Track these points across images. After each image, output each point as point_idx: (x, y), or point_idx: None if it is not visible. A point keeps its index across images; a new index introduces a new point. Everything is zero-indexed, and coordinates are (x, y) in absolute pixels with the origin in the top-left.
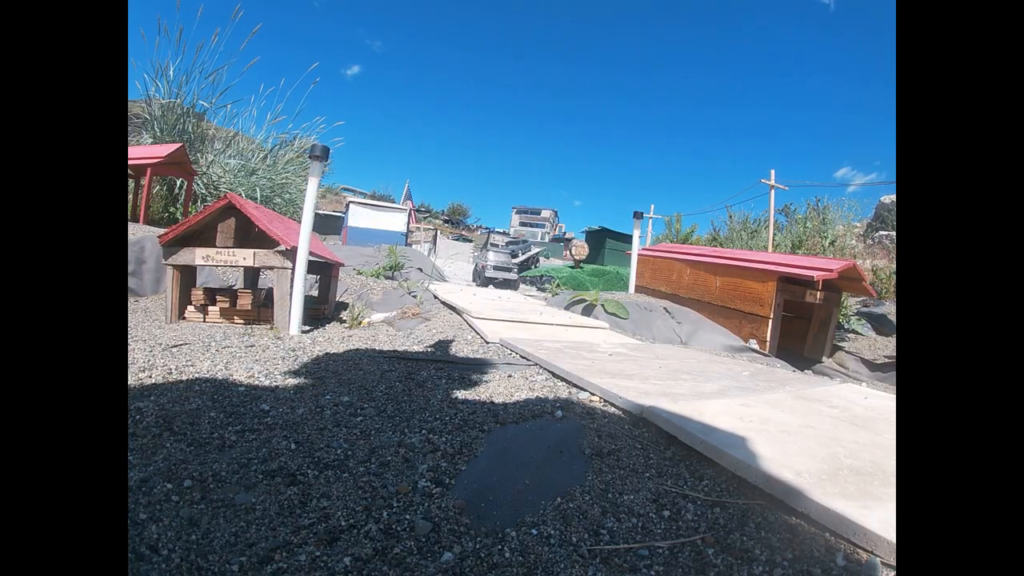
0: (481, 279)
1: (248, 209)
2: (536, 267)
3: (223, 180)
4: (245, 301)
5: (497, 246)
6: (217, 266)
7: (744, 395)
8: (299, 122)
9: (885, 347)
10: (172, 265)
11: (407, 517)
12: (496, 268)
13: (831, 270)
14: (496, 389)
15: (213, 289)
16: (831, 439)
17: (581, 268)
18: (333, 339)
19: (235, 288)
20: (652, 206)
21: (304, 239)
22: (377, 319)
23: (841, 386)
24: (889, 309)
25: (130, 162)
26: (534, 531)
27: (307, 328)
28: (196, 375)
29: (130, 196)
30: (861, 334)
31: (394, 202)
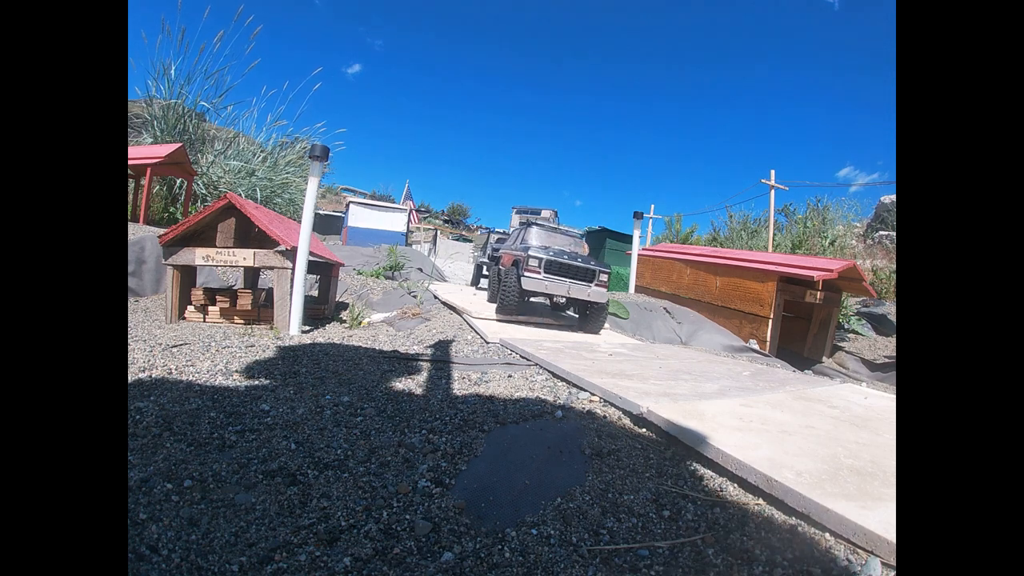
0: (508, 294)
1: (248, 209)
2: None
3: (223, 180)
4: (245, 301)
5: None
6: (217, 266)
7: (744, 395)
8: (300, 124)
9: (885, 347)
10: (172, 265)
11: (407, 517)
12: (551, 270)
13: (831, 270)
14: (496, 389)
15: (213, 289)
16: (831, 439)
17: None
18: (333, 339)
19: (235, 288)
20: (652, 206)
21: (304, 239)
22: (377, 319)
23: (841, 386)
24: (889, 309)
25: (130, 162)
26: (534, 531)
27: (307, 328)
28: (196, 375)
29: (130, 196)
30: (861, 334)
31: (394, 202)
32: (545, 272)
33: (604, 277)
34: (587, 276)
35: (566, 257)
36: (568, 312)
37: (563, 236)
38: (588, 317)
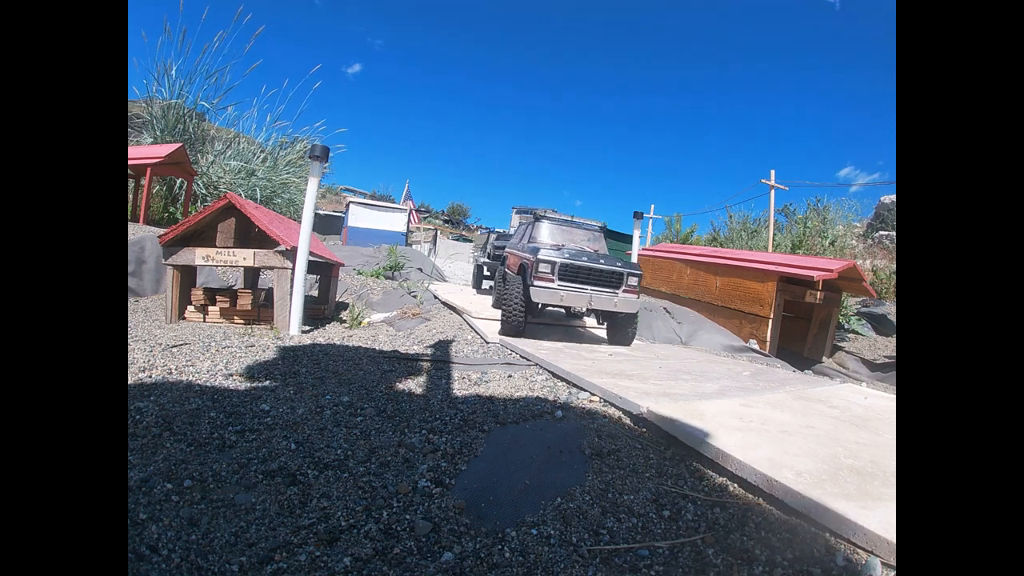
0: (513, 309)
1: (248, 209)
2: None
3: (223, 180)
4: (245, 301)
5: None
6: (217, 266)
7: (744, 395)
8: (300, 123)
9: (885, 347)
10: (172, 265)
11: (407, 517)
12: (567, 276)
13: (831, 270)
14: (496, 389)
15: (213, 289)
16: (831, 439)
17: None
18: (333, 339)
19: (235, 288)
20: (652, 206)
21: (304, 239)
22: (377, 319)
23: (841, 386)
24: (889, 309)
25: (130, 162)
26: (534, 531)
27: (307, 328)
28: (196, 375)
29: (130, 196)
30: (861, 334)
31: (394, 202)
32: (560, 279)
33: (634, 281)
34: (613, 281)
35: (585, 259)
36: (580, 318)
37: (579, 231)
38: (616, 328)
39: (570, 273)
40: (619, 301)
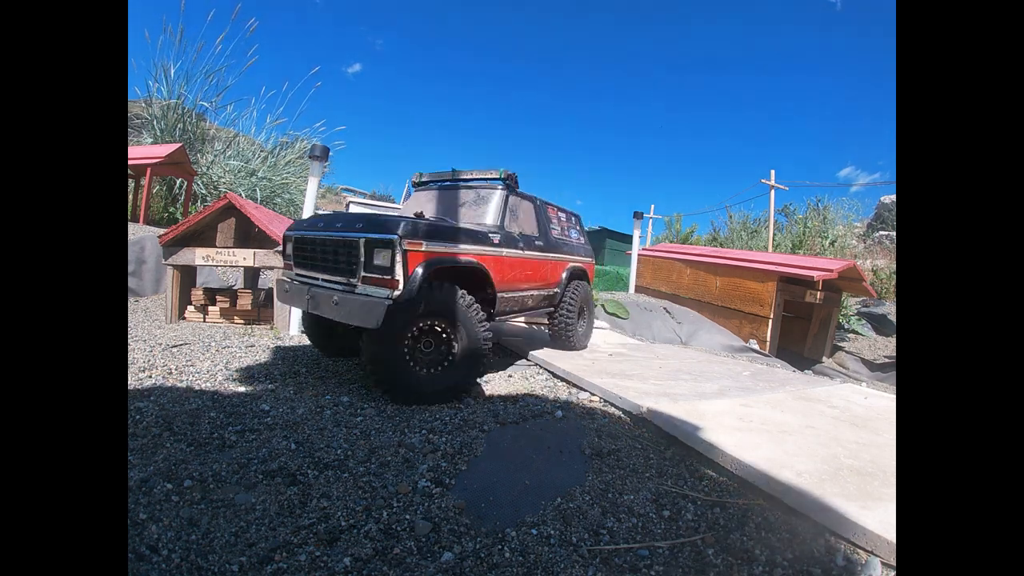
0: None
1: (248, 209)
2: None
3: (223, 180)
4: (245, 301)
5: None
6: (217, 266)
7: (744, 395)
8: (300, 123)
9: (885, 347)
10: (172, 265)
11: (407, 517)
12: (302, 258)
13: (831, 270)
14: (496, 389)
15: (213, 289)
16: (831, 439)
17: None
18: None
19: (235, 288)
20: (652, 206)
21: None
22: None
23: (841, 386)
24: (889, 309)
25: (130, 162)
26: (534, 531)
27: None
28: (196, 375)
29: (130, 196)
30: (861, 334)
31: (394, 202)
32: (297, 267)
33: (383, 260)
34: (345, 261)
35: (322, 225)
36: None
37: (469, 193)
38: (367, 359)
39: (305, 254)
40: (342, 299)
